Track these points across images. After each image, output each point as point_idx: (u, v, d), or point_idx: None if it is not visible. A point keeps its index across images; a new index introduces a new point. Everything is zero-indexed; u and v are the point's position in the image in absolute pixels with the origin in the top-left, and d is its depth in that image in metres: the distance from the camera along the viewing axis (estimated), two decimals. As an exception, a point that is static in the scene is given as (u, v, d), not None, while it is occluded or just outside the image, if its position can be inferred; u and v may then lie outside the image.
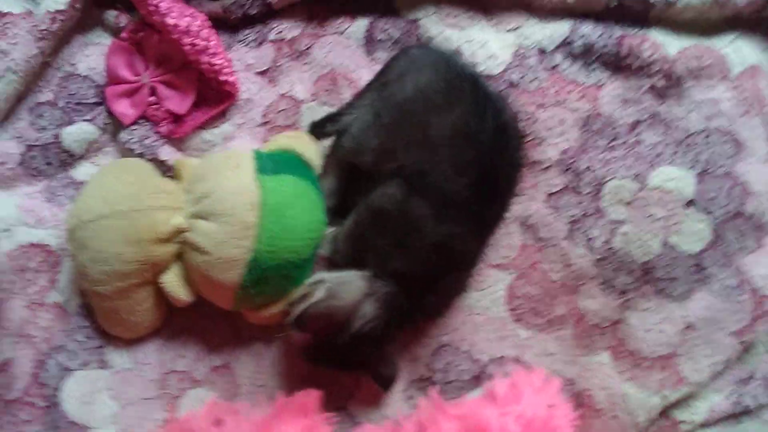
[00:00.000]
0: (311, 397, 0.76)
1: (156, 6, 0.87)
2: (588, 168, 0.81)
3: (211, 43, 0.91)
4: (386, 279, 0.75)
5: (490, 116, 0.75)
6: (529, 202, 0.82)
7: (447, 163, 0.75)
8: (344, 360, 0.77)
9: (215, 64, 0.90)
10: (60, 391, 0.80)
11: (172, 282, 0.79)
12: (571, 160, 0.82)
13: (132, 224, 0.77)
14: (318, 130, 0.88)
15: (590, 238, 0.80)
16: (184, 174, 0.85)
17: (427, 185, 0.75)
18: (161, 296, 0.82)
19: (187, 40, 0.88)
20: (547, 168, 0.82)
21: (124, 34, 0.93)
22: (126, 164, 0.86)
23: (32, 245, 0.88)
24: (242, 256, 0.75)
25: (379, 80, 0.84)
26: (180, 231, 0.78)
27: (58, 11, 0.89)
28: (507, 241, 0.83)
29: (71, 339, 0.83)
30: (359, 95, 0.87)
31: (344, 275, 0.77)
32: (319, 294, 0.72)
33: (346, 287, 0.74)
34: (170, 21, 0.87)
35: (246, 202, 0.76)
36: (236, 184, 0.77)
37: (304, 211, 0.79)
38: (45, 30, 0.89)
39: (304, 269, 0.80)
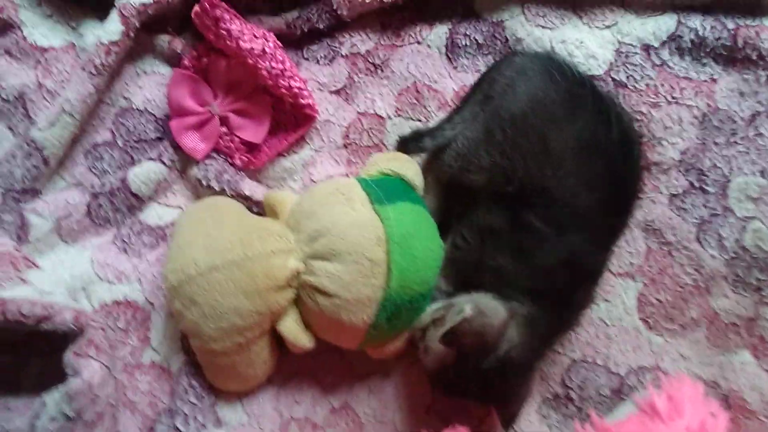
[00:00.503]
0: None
1: (227, 30, 0.79)
2: (712, 166, 0.78)
3: (287, 64, 0.83)
4: (516, 299, 0.72)
5: (615, 123, 0.71)
6: (652, 205, 0.79)
7: (574, 177, 0.70)
8: (479, 389, 0.72)
9: (293, 87, 0.83)
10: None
11: (292, 329, 0.73)
12: (693, 159, 0.79)
13: (248, 274, 0.70)
14: (414, 145, 0.82)
15: (721, 238, 0.78)
16: (282, 210, 0.78)
17: (549, 201, 0.71)
18: (275, 343, 0.76)
19: (263, 64, 0.81)
20: (667, 169, 0.79)
21: (186, 62, 0.85)
22: (216, 205, 0.78)
23: (116, 303, 0.80)
24: (374, 295, 0.70)
25: (481, 91, 0.79)
26: (297, 274, 0.72)
27: (112, 42, 0.80)
28: (631, 247, 0.79)
29: (182, 401, 0.75)
30: (458, 108, 0.81)
31: (477, 297, 0.71)
32: (468, 311, 0.66)
33: (491, 307, 0.69)
34: (245, 45, 0.79)
35: (371, 238, 0.70)
36: (355, 218, 0.71)
37: (427, 238, 0.74)
38: (100, 65, 0.80)
39: (429, 298, 0.75)
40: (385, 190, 0.75)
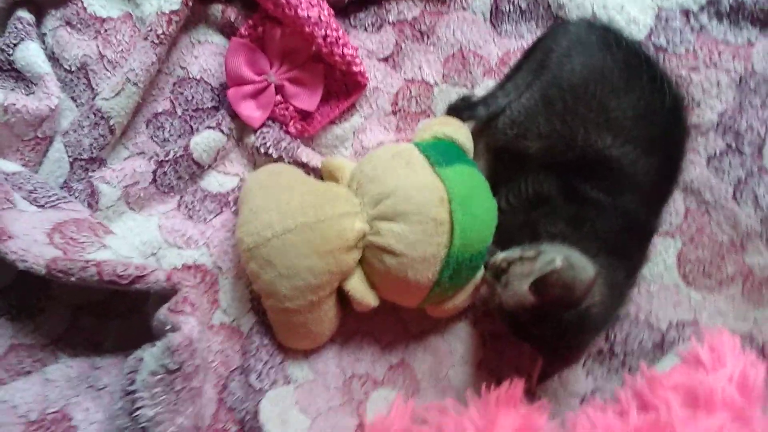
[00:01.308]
0: (517, 386, 0.76)
1: (286, -1, 0.81)
2: (749, 128, 0.82)
3: (340, 32, 0.86)
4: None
5: (667, 90, 0.75)
6: (690, 166, 0.83)
7: (632, 145, 0.74)
8: (548, 338, 0.72)
9: (347, 55, 0.85)
10: (259, 414, 0.78)
11: (359, 288, 0.77)
12: (730, 122, 0.83)
13: (321, 235, 0.74)
14: (468, 113, 0.85)
15: (756, 197, 0.82)
16: (342, 175, 0.81)
17: (607, 169, 0.74)
18: (340, 302, 0.81)
19: (320, 32, 0.83)
20: (705, 131, 0.83)
21: (243, 31, 0.87)
22: (281, 172, 0.82)
23: (186, 267, 0.83)
24: (438, 253, 0.74)
25: (534, 60, 0.81)
26: (363, 235, 0.76)
27: (172, 12, 0.82)
28: (671, 207, 0.84)
29: (255, 359, 0.80)
30: (510, 76, 0.84)
31: (566, 249, 0.72)
32: (558, 263, 0.67)
33: (581, 262, 0.70)
34: (302, 13, 0.81)
35: (434, 198, 0.74)
36: (418, 180, 0.75)
37: (484, 198, 0.78)
38: (161, 34, 0.82)
39: (485, 255, 0.80)
40: (442, 153, 0.79)
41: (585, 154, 0.75)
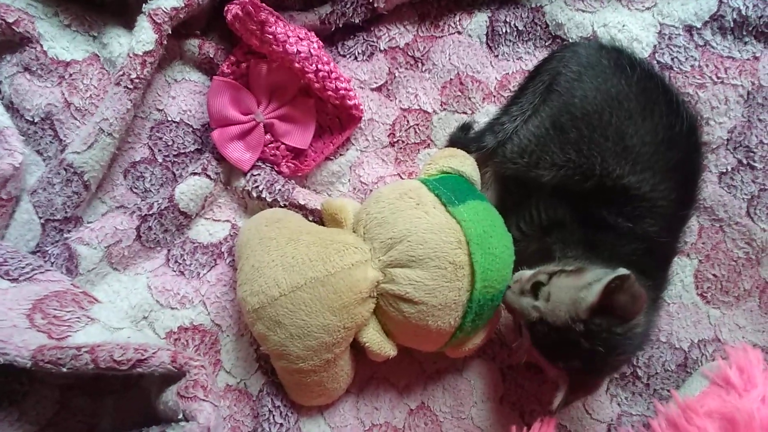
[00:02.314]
0: (550, 425, 0.73)
1: (273, 34, 0.74)
2: (759, 142, 0.81)
3: (332, 65, 0.80)
4: None
5: (684, 113, 0.72)
6: (702, 184, 0.81)
7: (652, 171, 0.71)
8: (583, 357, 0.67)
9: (340, 89, 0.80)
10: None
11: (376, 339, 0.72)
12: (740, 137, 0.81)
13: (333, 290, 0.68)
14: (476, 145, 0.81)
15: (770, 211, 0.81)
16: (345, 218, 0.76)
17: (627, 197, 0.71)
18: (355, 353, 0.75)
19: (311, 67, 0.77)
20: (716, 148, 0.81)
21: (225, 68, 0.80)
22: (279, 219, 0.75)
23: (183, 329, 0.77)
24: (460, 298, 0.70)
25: (541, 82, 0.78)
26: (377, 284, 0.71)
27: (146, 53, 0.75)
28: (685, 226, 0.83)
29: (269, 422, 0.74)
30: (515, 100, 0.81)
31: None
32: (626, 271, 0.63)
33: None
34: (291, 48, 0.75)
35: (451, 241, 0.69)
36: (431, 222, 0.70)
37: (501, 234, 0.74)
38: (135, 78, 0.75)
39: (503, 293, 0.76)
40: (452, 190, 0.75)
41: (603, 182, 0.72)
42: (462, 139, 0.83)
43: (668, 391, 0.80)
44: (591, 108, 0.72)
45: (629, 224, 0.72)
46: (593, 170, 0.72)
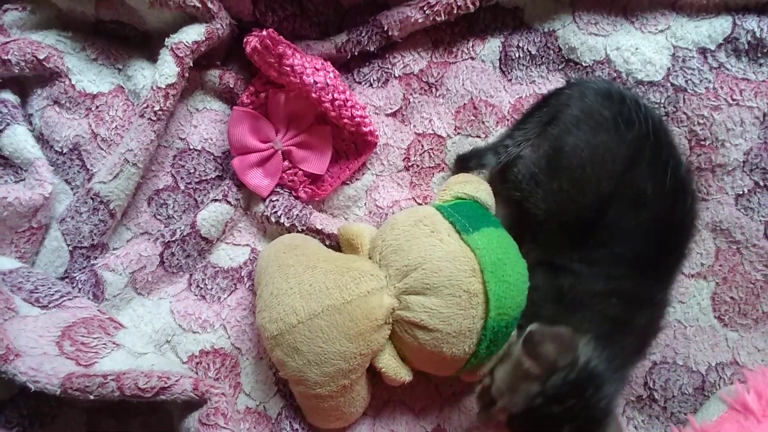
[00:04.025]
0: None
1: (291, 66, 0.76)
2: (776, 165, 0.81)
3: (347, 93, 0.82)
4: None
5: (670, 174, 0.71)
6: (718, 206, 0.81)
7: (621, 224, 0.72)
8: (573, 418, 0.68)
9: (356, 116, 0.82)
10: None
11: (392, 365, 0.73)
12: (757, 159, 0.81)
13: (349, 317, 0.70)
14: (476, 162, 0.83)
15: (787, 234, 0.81)
16: (361, 243, 0.78)
17: (592, 243, 0.73)
18: (371, 377, 0.77)
19: (327, 96, 0.79)
20: (732, 170, 0.81)
21: (244, 99, 0.82)
22: (297, 246, 0.77)
23: (204, 353, 0.79)
24: (474, 326, 0.70)
25: (549, 111, 0.79)
26: (393, 310, 0.72)
27: (169, 86, 0.77)
28: (701, 248, 0.82)
29: (287, 447, 0.76)
30: (521, 123, 0.82)
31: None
32: (534, 325, 0.67)
33: (553, 327, 0.68)
34: (308, 80, 0.77)
35: (465, 269, 0.70)
36: (445, 250, 0.71)
37: (515, 261, 0.75)
38: (159, 110, 0.77)
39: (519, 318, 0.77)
40: (466, 217, 0.76)
41: (579, 223, 0.74)
42: (464, 157, 0.84)
43: (685, 414, 0.79)
44: (576, 161, 0.73)
45: (592, 269, 0.73)
46: (570, 211, 0.74)
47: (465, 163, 0.85)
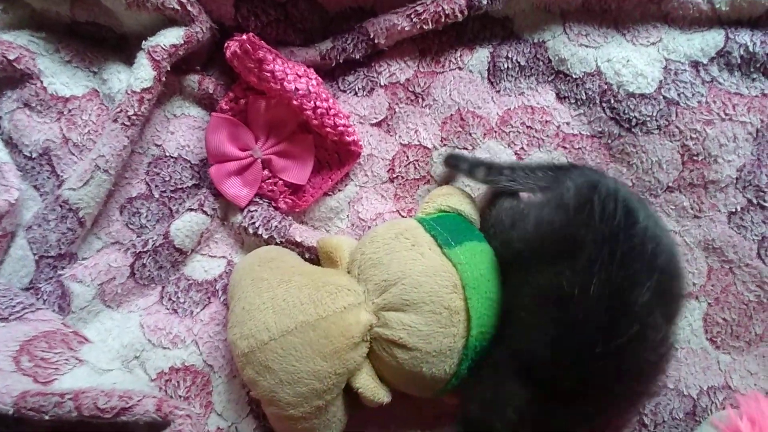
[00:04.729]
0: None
1: (272, 72, 0.74)
2: (770, 182, 0.79)
3: (331, 102, 0.79)
4: None
5: (613, 291, 0.59)
6: (711, 224, 0.79)
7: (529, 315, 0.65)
8: None
9: (339, 125, 0.79)
10: None
11: (369, 385, 0.70)
12: (750, 176, 0.79)
13: (324, 334, 0.66)
14: (465, 165, 0.79)
15: (783, 254, 0.78)
16: (340, 256, 0.74)
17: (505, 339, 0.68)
18: (349, 398, 0.73)
19: (309, 104, 0.76)
20: (724, 187, 0.79)
21: (223, 105, 0.80)
22: (272, 259, 0.74)
23: (174, 370, 0.75)
24: (455, 345, 0.67)
25: (545, 178, 0.72)
26: (371, 327, 0.69)
27: (144, 90, 0.74)
28: (693, 267, 0.79)
29: (260, 470, 0.72)
30: (526, 169, 0.74)
31: None
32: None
33: None
34: (289, 86, 0.75)
35: (447, 285, 0.67)
36: (426, 265, 0.68)
37: (497, 277, 0.72)
38: (133, 115, 0.74)
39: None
40: (449, 230, 0.73)
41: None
42: (458, 155, 0.81)
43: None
44: (525, 245, 0.67)
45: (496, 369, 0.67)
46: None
47: (455, 162, 0.81)
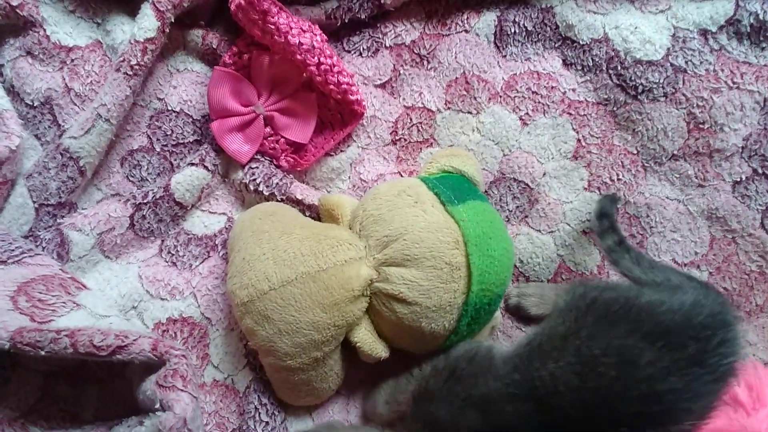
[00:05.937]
0: None
1: (275, 25, 0.73)
2: (776, 152, 0.78)
3: (335, 59, 0.79)
4: None
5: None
6: (715, 193, 0.78)
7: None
8: None
9: (342, 83, 0.78)
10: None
11: (367, 339, 0.70)
12: (756, 145, 0.78)
13: (324, 286, 0.66)
14: (608, 226, 0.73)
15: (785, 224, 0.78)
16: (342, 214, 0.74)
17: None
18: (345, 350, 0.73)
19: (312, 60, 0.76)
20: (730, 156, 0.78)
21: (226, 59, 0.79)
22: (274, 213, 0.74)
23: (172, 321, 0.75)
24: (455, 300, 0.67)
25: (674, 278, 0.66)
26: (370, 282, 0.69)
27: (148, 40, 0.74)
28: (695, 236, 0.79)
29: (254, 420, 0.72)
30: (652, 263, 0.68)
31: None
32: None
33: None
34: (293, 40, 0.74)
35: (448, 241, 0.67)
36: (429, 221, 0.68)
37: (501, 236, 0.71)
38: (136, 65, 0.74)
39: (502, 298, 0.73)
40: (452, 189, 0.72)
41: None
42: (607, 213, 0.74)
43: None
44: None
45: None
46: None
47: (606, 211, 0.74)
